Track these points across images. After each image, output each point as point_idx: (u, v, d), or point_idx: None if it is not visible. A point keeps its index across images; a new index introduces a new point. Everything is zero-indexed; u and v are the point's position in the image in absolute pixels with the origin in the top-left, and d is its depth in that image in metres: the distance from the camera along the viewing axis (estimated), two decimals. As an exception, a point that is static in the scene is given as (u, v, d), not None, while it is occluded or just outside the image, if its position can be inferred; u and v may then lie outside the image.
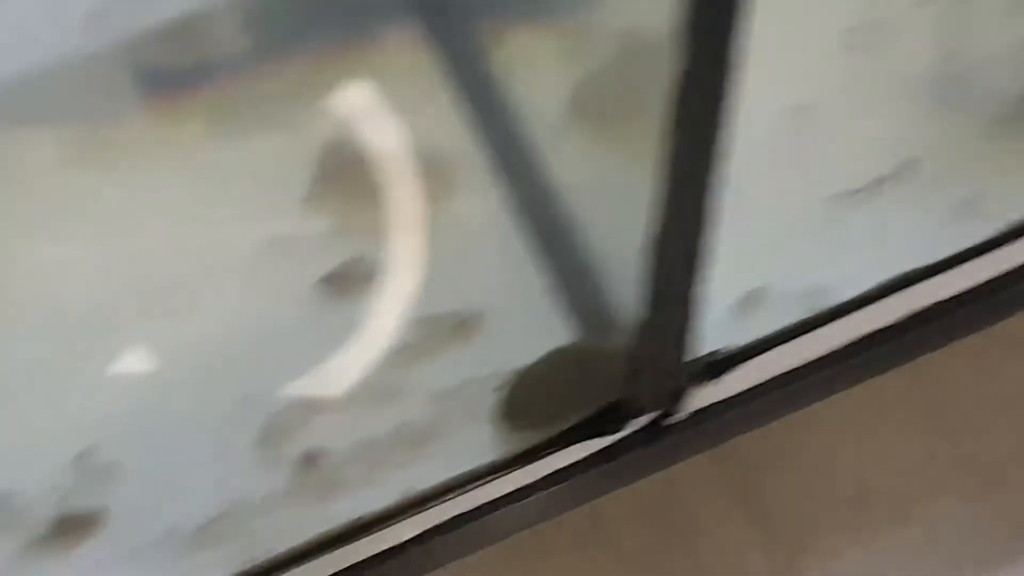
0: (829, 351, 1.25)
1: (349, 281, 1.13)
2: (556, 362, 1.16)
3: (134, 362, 1.11)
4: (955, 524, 1.36)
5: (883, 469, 1.39)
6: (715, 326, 1.17)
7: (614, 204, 1.08)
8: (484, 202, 1.18)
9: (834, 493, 1.37)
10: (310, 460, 1.12)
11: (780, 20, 1.05)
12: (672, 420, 1.22)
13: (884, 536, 1.36)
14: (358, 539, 1.14)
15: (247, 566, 1.12)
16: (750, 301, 1.19)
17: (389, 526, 1.15)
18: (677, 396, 1.20)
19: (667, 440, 1.23)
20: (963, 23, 1.24)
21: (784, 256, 1.19)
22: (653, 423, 1.22)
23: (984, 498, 1.36)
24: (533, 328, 1.16)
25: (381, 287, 1.14)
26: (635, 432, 1.22)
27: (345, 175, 1.16)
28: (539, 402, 1.17)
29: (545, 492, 1.20)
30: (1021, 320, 1.32)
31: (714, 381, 1.21)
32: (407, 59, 1.21)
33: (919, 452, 1.39)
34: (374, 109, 1.16)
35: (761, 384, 1.24)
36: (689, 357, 1.16)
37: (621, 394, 1.17)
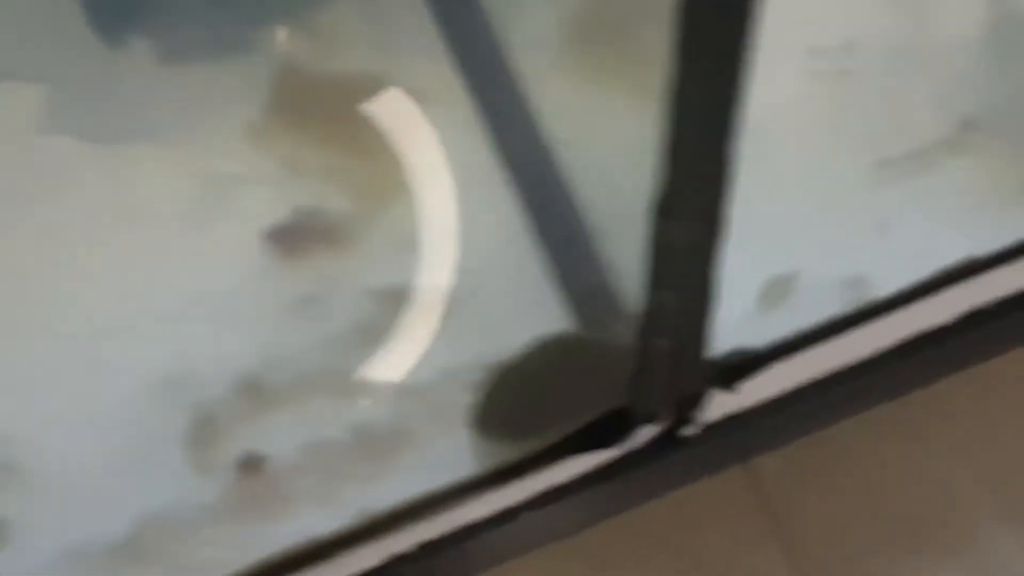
0: (871, 355, 1.07)
1: (299, 237, 0.94)
2: (547, 355, 0.97)
3: (35, 335, 0.92)
4: (1011, 561, 1.16)
5: (932, 495, 1.19)
6: (735, 321, 1.00)
7: (618, 158, 0.89)
8: (465, 150, 0.98)
9: (875, 524, 1.19)
10: (250, 466, 0.94)
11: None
12: (687, 431, 1.04)
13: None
14: (308, 568, 0.96)
15: (172, 598, 0.94)
16: (776, 292, 1.01)
17: (345, 553, 0.96)
18: (693, 402, 1.02)
19: (681, 455, 1.06)
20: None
21: (817, 237, 1.00)
22: (664, 435, 1.03)
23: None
24: (520, 311, 0.97)
25: (338, 247, 0.94)
26: (643, 445, 1.04)
27: (301, 107, 0.96)
28: (527, 404, 0.99)
29: (535, 515, 1.02)
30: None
31: (736, 386, 1.02)
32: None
33: (974, 475, 1.20)
34: (340, 31, 0.97)
35: (792, 392, 1.07)
36: (707, 355, 0.97)
37: (626, 398, 0.98)
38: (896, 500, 1.18)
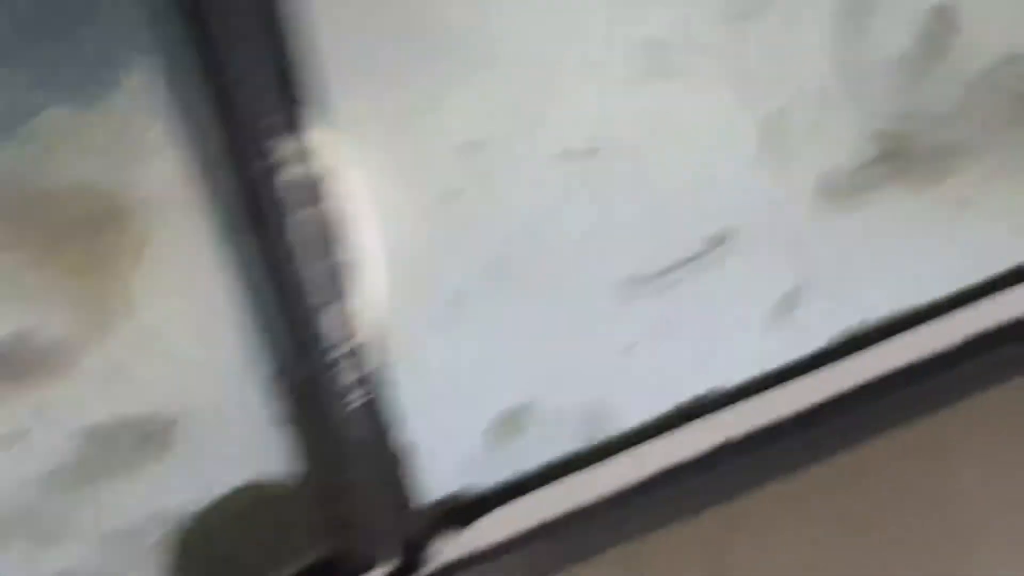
0: (612, 493, 0.98)
1: (16, 362, 0.81)
2: (236, 501, 0.87)
3: None
4: None
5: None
6: (462, 459, 0.92)
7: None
8: (196, 270, 0.84)
9: None
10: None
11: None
12: (417, 577, 0.95)
13: None
14: None
15: None
16: (509, 425, 0.92)
17: None
18: (414, 549, 0.92)
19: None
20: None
21: (554, 363, 0.91)
22: (393, 581, 0.94)
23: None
24: (237, 451, 0.85)
25: (54, 375, 0.82)
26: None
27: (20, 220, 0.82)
28: (222, 554, 0.88)
29: None
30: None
31: (464, 529, 0.93)
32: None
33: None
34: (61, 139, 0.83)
35: (528, 532, 0.97)
36: (422, 500, 0.88)
37: (331, 547, 0.88)
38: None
